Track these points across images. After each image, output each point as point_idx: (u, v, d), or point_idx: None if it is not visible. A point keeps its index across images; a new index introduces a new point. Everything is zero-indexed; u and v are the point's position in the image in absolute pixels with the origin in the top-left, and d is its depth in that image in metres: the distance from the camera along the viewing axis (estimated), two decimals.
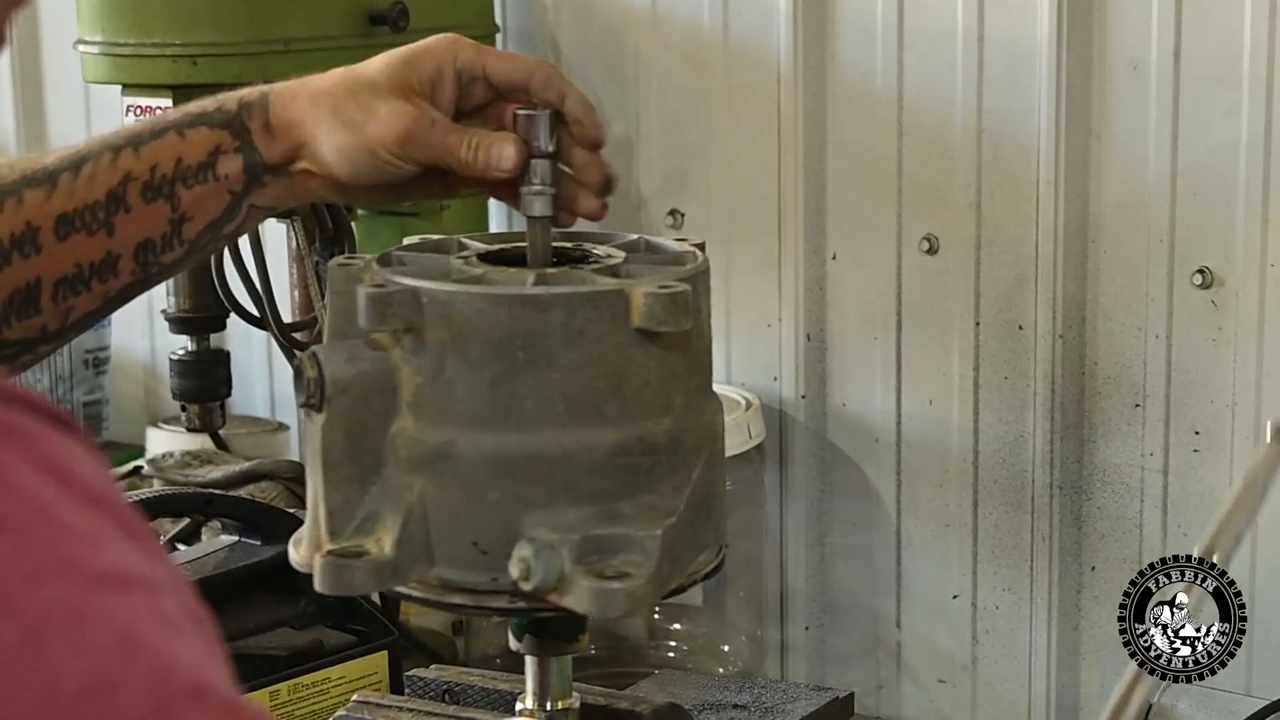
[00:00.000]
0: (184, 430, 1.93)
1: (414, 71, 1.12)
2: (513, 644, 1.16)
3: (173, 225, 1.09)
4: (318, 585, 1.00)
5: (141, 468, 1.91)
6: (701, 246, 1.10)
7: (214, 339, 1.85)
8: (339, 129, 1.10)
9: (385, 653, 1.55)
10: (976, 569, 1.77)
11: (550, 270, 1.05)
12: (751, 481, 1.83)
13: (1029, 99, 1.66)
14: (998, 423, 1.73)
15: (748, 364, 1.86)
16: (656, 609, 1.88)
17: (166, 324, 1.84)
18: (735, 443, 1.77)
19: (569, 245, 1.11)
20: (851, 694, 1.44)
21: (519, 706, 1.18)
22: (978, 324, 1.73)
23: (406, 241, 1.12)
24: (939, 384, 1.76)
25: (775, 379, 1.84)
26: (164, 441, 2.06)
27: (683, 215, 1.89)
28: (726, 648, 1.87)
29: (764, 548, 1.87)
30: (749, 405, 1.80)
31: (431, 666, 1.30)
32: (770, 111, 1.80)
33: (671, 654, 1.87)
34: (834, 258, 1.80)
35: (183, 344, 1.83)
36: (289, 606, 1.57)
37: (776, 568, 1.88)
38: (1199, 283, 1.61)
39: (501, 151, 1.09)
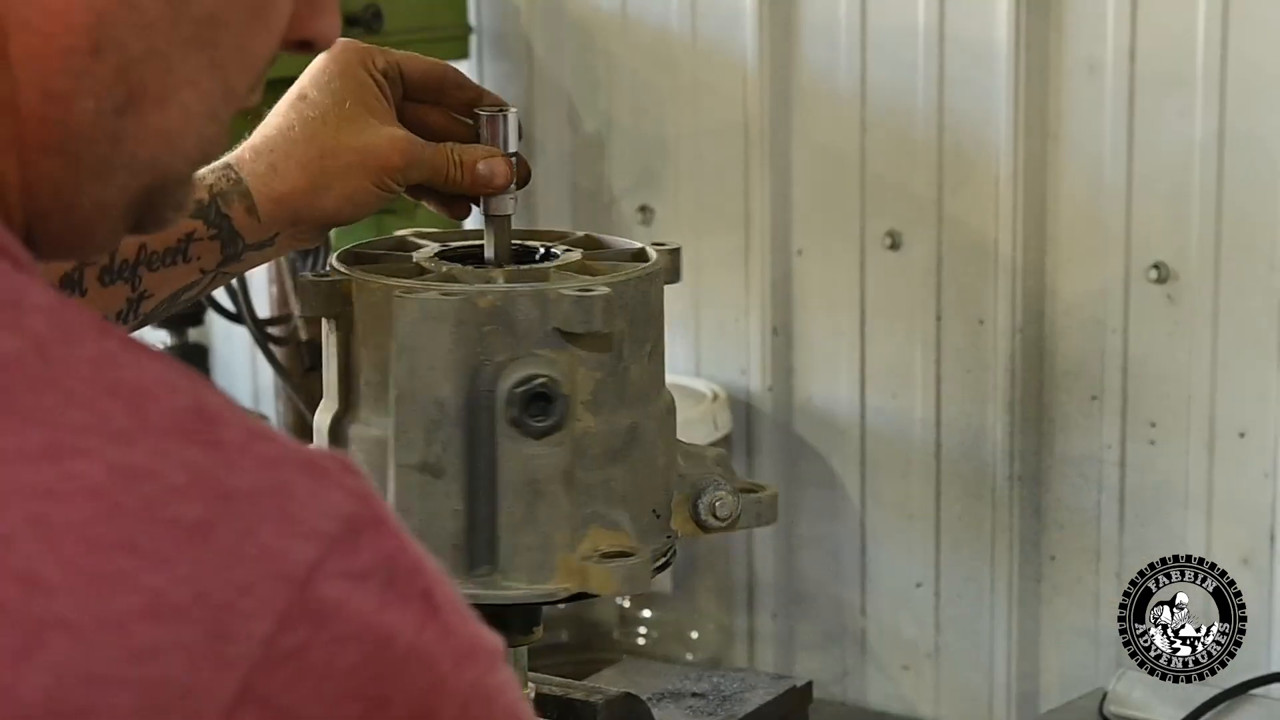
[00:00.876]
0: None
1: (366, 89, 1.09)
2: None
3: (130, 303, 1.04)
4: (626, 590, 0.98)
5: None
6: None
7: (201, 334, 1.84)
8: (344, 177, 1.03)
9: None
10: (939, 559, 1.75)
11: (594, 253, 1.07)
12: None
13: (989, 98, 1.64)
14: (960, 415, 1.71)
15: (716, 357, 1.84)
16: (627, 598, 1.87)
17: None
18: (701, 434, 1.75)
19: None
20: (810, 683, 1.41)
21: None
22: (939, 318, 1.71)
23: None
24: (902, 377, 1.74)
25: (743, 372, 1.82)
26: None
27: (653, 211, 1.87)
28: (695, 634, 1.85)
29: (732, 537, 1.85)
30: (715, 397, 1.78)
31: None
32: (737, 110, 1.78)
33: (641, 640, 1.85)
34: (800, 253, 1.79)
35: (165, 338, 1.82)
36: None
37: (744, 557, 1.86)
38: (1154, 277, 1.59)
39: (492, 169, 1.06)
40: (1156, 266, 1.58)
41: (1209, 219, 1.55)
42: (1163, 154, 1.57)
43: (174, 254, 1.04)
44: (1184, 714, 1.47)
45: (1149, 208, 1.59)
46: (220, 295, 1.75)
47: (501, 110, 1.09)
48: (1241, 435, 1.58)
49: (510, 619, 1.14)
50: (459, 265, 1.04)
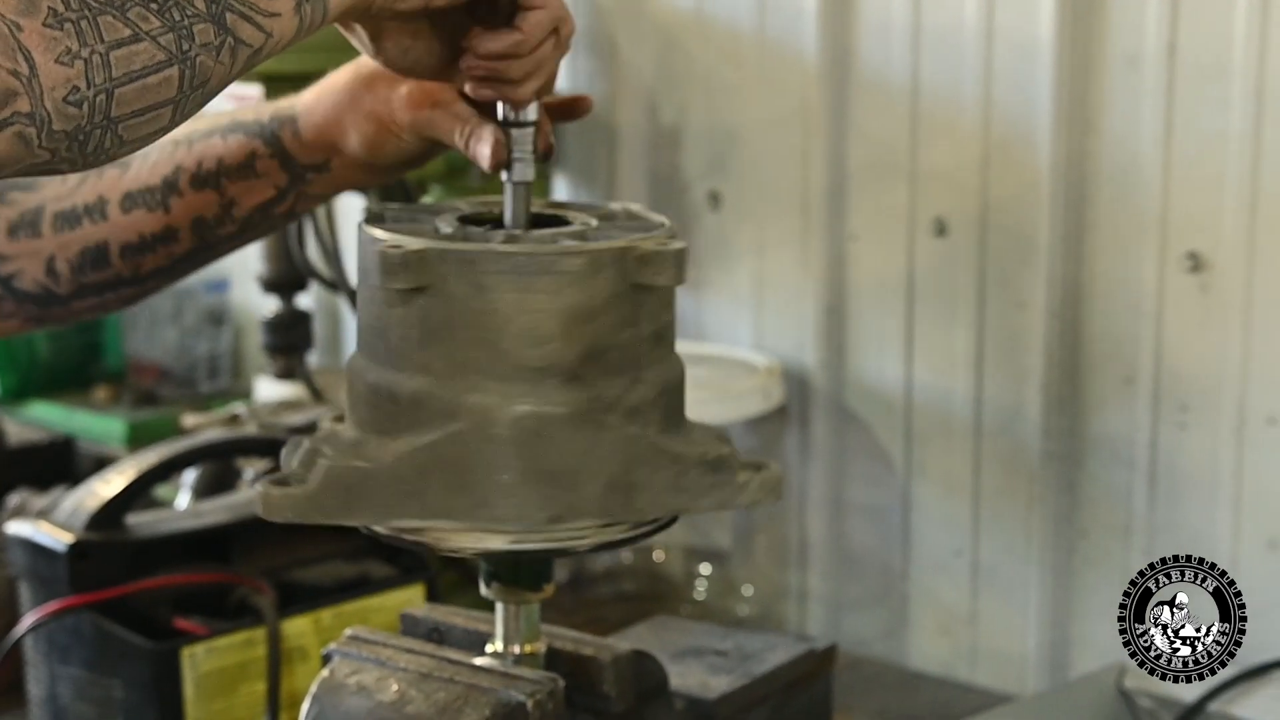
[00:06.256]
0: (286, 380, 1.82)
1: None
2: (482, 590, 1.03)
3: (223, 208, 1.08)
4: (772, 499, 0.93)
5: (238, 415, 1.80)
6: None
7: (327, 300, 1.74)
8: (364, 122, 1.03)
9: (423, 584, 1.43)
10: (978, 529, 1.59)
11: (626, 222, 0.99)
12: (773, 439, 1.68)
13: (1033, 91, 1.47)
14: (999, 394, 1.55)
15: (777, 332, 1.70)
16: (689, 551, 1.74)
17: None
18: (754, 405, 1.61)
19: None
20: (834, 646, 1.27)
21: (488, 648, 1.05)
22: (982, 301, 1.55)
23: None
24: (945, 356, 1.58)
25: (800, 348, 1.68)
26: (269, 390, 1.95)
27: (721, 197, 1.73)
28: (749, 591, 1.72)
29: (787, 502, 1.71)
30: (769, 370, 1.64)
31: (424, 605, 1.16)
32: (799, 103, 1.64)
33: (701, 592, 1.72)
34: (853, 238, 1.63)
35: (274, 305, 1.72)
36: (342, 540, 1.45)
37: (797, 520, 1.72)
38: (1189, 266, 1.41)
39: (480, 152, 0.99)
40: (1191, 256, 1.41)
41: (1243, 209, 1.37)
42: (1199, 145, 1.39)
43: (245, 168, 1.06)
44: (1202, 691, 1.30)
45: (1184, 199, 1.41)
46: (321, 264, 1.65)
47: (524, 125, 0.98)
48: (1270, 422, 1.40)
49: (521, 576, 1.03)
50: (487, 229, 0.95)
